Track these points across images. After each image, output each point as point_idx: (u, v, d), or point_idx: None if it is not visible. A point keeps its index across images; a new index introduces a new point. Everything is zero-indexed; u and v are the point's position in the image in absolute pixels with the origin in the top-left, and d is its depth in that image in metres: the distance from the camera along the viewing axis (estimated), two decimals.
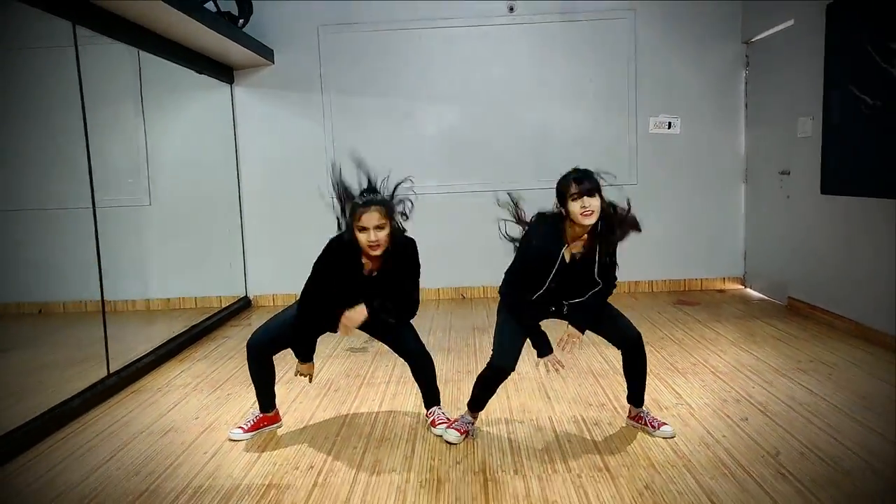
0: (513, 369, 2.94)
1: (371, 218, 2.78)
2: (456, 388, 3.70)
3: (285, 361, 3.99)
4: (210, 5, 4.94)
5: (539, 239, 2.82)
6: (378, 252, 2.83)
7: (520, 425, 3.17)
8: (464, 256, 6.21)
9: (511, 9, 6.05)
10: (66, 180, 5.61)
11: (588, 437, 3.00)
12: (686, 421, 3.12)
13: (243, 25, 5.49)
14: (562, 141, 6.15)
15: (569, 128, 6.17)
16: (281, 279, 6.34)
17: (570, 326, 2.89)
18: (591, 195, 2.70)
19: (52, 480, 2.76)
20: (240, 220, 6.39)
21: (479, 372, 3.04)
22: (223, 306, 6.04)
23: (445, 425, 3.06)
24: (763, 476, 2.55)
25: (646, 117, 6.13)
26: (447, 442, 2.97)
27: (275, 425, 3.24)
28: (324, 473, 2.74)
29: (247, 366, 3.15)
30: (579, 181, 2.72)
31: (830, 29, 4.62)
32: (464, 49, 6.14)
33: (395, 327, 3.08)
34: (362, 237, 2.80)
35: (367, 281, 2.93)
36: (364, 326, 3.01)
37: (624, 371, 3.05)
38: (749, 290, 6.14)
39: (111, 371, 3.90)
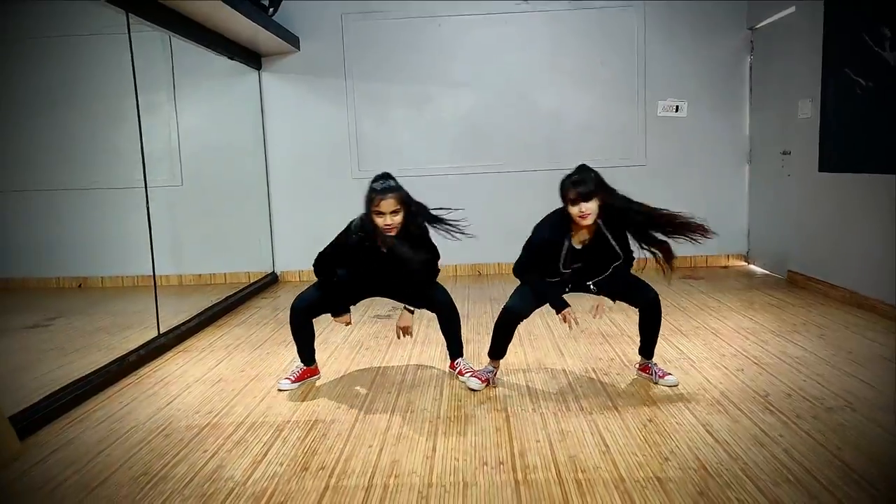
0: (524, 315, 3.28)
1: (388, 204, 3.14)
2: (476, 345, 4.03)
3: (320, 324, 4.38)
4: None
5: (545, 230, 3.17)
6: (392, 234, 3.19)
7: (536, 375, 3.51)
8: (479, 235, 6.53)
9: None
10: (111, 162, 5.99)
11: (598, 384, 3.33)
12: (687, 371, 3.45)
13: (273, 14, 5.82)
14: (574, 124, 6.47)
15: (581, 111, 6.48)
16: (306, 256, 6.55)
17: (602, 298, 3.26)
18: (586, 199, 2.96)
19: (124, 417, 3.13)
20: (267, 199, 6.74)
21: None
22: (252, 281, 6.40)
23: (469, 374, 3.40)
24: (753, 411, 2.89)
25: (654, 101, 6.43)
26: (470, 389, 3.32)
27: (315, 377, 3.62)
28: (363, 411, 3.09)
29: (289, 328, 3.51)
30: (576, 185, 2.98)
31: (828, 15, 4.90)
32: (480, 37, 6.45)
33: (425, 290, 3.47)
34: (379, 220, 3.16)
35: (384, 257, 3.29)
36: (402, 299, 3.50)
37: (639, 326, 3.36)
38: (752, 267, 6.45)
39: (161, 332, 4.27)
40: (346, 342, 4.28)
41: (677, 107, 6.46)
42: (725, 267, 6.49)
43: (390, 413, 3.07)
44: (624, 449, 2.60)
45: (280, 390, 3.45)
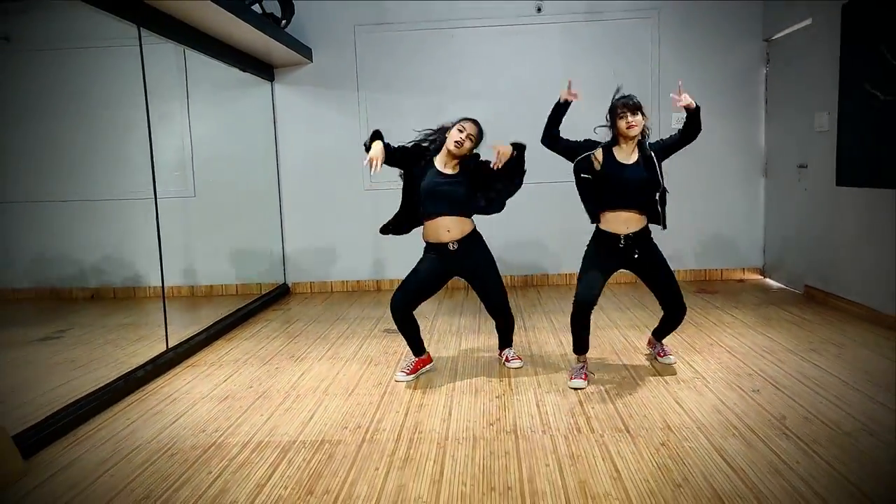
0: (594, 301, 3.46)
1: (471, 126, 3.61)
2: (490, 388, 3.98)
3: (328, 340, 4.31)
4: (256, 7, 5.27)
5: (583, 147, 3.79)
6: (458, 151, 3.54)
7: (546, 394, 3.44)
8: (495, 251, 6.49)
9: (539, 9, 6.31)
10: (124, 173, 6.01)
11: (610, 405, 3.26)
12: (701, 392, 3.38)
13: (286, 26, 5.83)
14: (587, 136, 6.38)
15: (594, 124, 6.38)
16: (318, 267, 6.69)
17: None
18: (633, 113, 3.42)
19: (128, 436, 3.10)
20: (279, 210, 6.73)
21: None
22: (263, 293, 6.38)
23: (519, 361, 3.89)
24: (769, 436, 2.81)
25: (669, 113, 6.36)
26: (575, 388, 3.50)
27: (428, 366, 3.87)
28: (370, 432, 3.05)
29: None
30: (625, 99, 3.45)
31: (846, 27, 4.82)
32: (494, 47, 6.42)
33: (488, 281, 3.85)
34: (454, 134, 3.54)
35: (446, 177, 3.61)
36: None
37: (661, 319, 3.77)
38: (768, 281, 6.35)
39: (169, 346, 4.25)
40: (356, 357, 4.24)
41: None
42: (741, 280, 6.40)
43: (398, 433, 3.02)
44: (636, 475, 2.53)
45: (397, 381, 3.71)
